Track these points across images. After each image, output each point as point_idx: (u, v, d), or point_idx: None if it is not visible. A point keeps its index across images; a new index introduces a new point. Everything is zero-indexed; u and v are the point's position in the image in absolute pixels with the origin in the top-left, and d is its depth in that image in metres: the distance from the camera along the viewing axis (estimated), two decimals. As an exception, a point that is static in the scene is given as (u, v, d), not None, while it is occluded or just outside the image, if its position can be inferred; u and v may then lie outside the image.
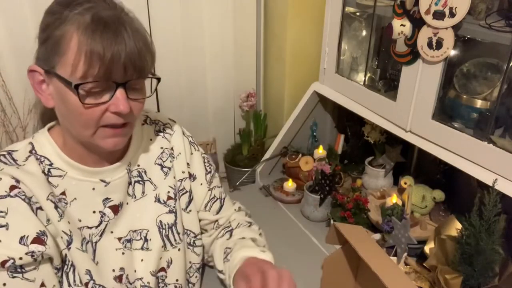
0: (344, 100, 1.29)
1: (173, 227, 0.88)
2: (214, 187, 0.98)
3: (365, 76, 1.26)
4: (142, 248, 0.85)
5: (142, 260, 0.84)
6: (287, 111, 1.52)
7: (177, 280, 0.90)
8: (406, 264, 1.03)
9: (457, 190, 1.16)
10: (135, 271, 0.84)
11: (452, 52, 0.98)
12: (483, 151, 0.91)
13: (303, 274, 0.99)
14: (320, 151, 1.41)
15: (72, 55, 0.65)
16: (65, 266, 0.76)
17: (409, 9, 0.99)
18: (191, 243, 0.94)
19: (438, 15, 0.90)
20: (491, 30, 0.87)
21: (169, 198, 0.88)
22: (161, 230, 0.87)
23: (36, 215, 0.71)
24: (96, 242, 0.79)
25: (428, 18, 0.93)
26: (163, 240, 0.87)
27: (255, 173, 1.48)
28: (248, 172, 1.45)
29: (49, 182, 0.75)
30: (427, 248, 1.00)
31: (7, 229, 0.68)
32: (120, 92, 0.69)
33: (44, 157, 0.75)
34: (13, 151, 0.75)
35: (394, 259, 1.01)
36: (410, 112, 1.05)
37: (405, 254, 1.00)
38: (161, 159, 0.89)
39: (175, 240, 0.89)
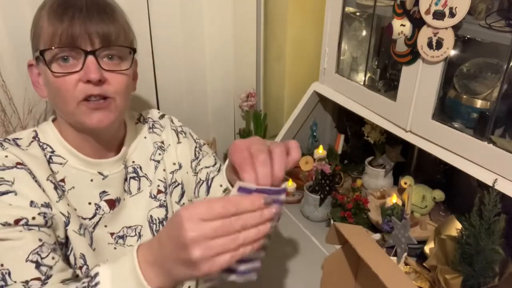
0: (344, 100, 1.29)
1: (164, 222, 0.87)
2: (201, 169, 0.93)
3: (365, 76, 1.26)
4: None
5: None
6: (287, 111, 1.52)
7: None
8: (406, 264, 1.03)
9: (457, 190, 1.16)
10: None
11: (452, 52, 0.98)
12: (483, 151, 0.91)
13: (303, 274, 0.99)
14: (320, 151, 1.41)
15: (44, 32, 0.71)
16: (68, 242, 0.76)
17: (409, 9, 0.99)
18: None
19: (438, 15, 0.90)
20: (491, 30, 0.87)
21: (159, 192, 0.88)
22: (151, 225, 0.86)
23: (40, 188, 0.72)
24: (91, 232, 0.80)
25: (428, 18, 0.93)
26: (153, 236, 0.85)
27: (255, 173, 1.48)
28: (248, 172, 1.45)
29: (50, 168, 0.76)
30: (427, 248, 1.00)
31: (15, 194, 0.68)
32: (90, 60, 0.70)
33: (47, 145, 0.77)
34: (17, 138, 0.77)
35: (394, 259, 1.01)
36: (410, 112, 1.05)
37: (405, 254, 1.01)
38: (155, 154, 0.89)
39: None
